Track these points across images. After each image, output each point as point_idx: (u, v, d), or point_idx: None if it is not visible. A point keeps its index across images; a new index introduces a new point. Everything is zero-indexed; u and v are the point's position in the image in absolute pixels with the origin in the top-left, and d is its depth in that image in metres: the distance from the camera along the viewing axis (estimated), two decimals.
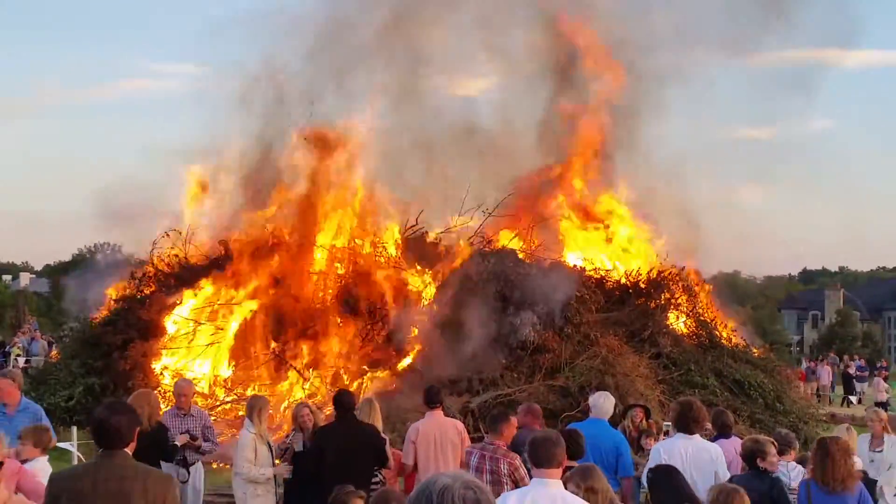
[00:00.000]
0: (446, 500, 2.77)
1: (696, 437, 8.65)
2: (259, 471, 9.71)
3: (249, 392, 19.81)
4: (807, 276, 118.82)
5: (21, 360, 33.87)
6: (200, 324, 21.25)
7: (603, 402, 9.91)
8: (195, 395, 15.21)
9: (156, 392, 14.29)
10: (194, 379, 20.27)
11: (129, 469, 5.33)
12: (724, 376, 20.38)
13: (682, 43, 26.74)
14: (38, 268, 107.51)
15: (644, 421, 12.42)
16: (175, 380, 19.53)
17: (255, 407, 9.96)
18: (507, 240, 22.82)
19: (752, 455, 8.13)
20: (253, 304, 21.15)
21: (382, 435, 10.06)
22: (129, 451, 5.42)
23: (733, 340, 22.47)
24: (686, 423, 8.65)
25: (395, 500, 6.34)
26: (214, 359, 20.90)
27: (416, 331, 20.04)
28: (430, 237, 22.97)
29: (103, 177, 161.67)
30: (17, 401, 10.18)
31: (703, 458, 8.43)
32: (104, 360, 20.23)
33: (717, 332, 22.29)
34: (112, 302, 22.52)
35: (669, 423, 12.81)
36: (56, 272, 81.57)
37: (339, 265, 21.75)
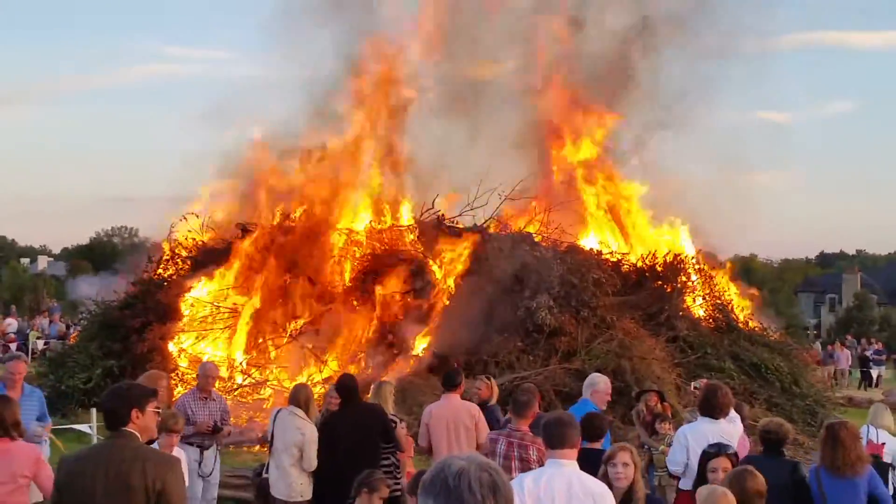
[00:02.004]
0: (463, 483, 2.75)
1: (722, 421, 8.61)
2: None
3: (267, 375, 19.92)
4: (824, 259, 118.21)
5: (40, 343, 34.15)
6: (218, 307, 21.33)
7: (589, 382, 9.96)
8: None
9: (167, 374, 14.26)
10: (213, 362, 20.41)
11: (128, 451, 5.33)
12: (741, 360, 20.33)
13: (700, 25, 26.53)
14: (56, 251, 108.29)
15: (659, 404, 12.40)
16: (190, 362, 19.72)
17: (309, 397, 9.93)
18: (524, 223, 22.81)
19: (775, 439, 8.09)
20: (269, 288, 21.21)
21: (394, 417, 10.09)
22: (135, 431, 5.44)
23: (750, 324, 22.40)
24: (711, 408, 8.62)
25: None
26: (231, 342, 20.98)
27: (433, 314, 20.08)
28: (447, 219, 22.91)
29: (120, 162, 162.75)
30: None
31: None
32: (122, 342, 20.32)
33: (733, 316, 22.22)
34: (130, 285, 22.62)
35: (688, 409, 12.81)
36: (74, 255, 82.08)
37: (356, 248, 21.76)
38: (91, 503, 5.20)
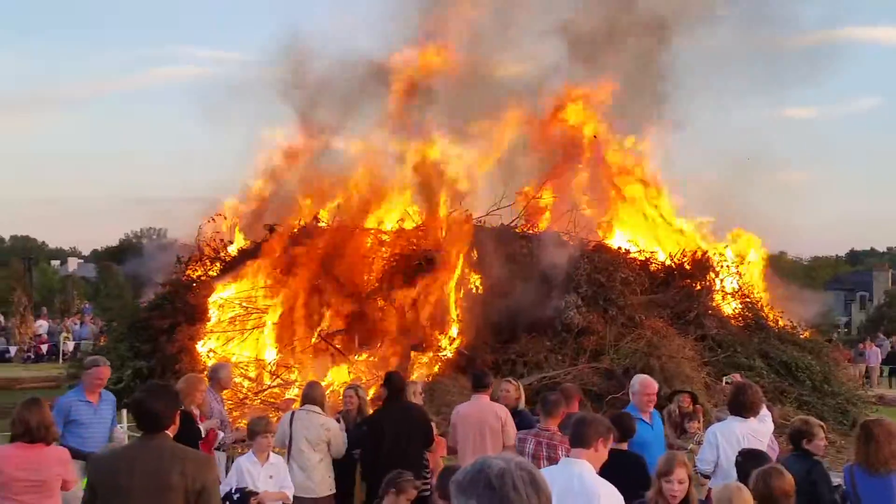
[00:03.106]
0: (507, 482, 2.74)
1: (752, 420, 8.54)
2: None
3: (295, 377, 19.96)
4: (854, 256, 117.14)
5: (70, 344, 34.44)
6: (246, 307, 21.41)
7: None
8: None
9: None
10: (241, 363, 20.48)
11: (166, 451, 5.34)
12: (771, 358, 20.19)
13: (726, 21, 26.38)
14: (86, 253, 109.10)
15: (691, 406, 12.37)
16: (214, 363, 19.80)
17: (323, 394, 10.09)
18: (550, 222, 22.77)
19: (798, 435, 8.05)
20: (298, 288, 21.26)
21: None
22: (170, 433, 5.46)
23: (780, 322, 22.25)
24: (741, 407, 8.56)
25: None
26: (259, 343, 21.05)
27: (461, 314, 20.08)
28: (475, 219, 22.88)
29: (148, 163, 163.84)
30: None
31: (758, 443, 8.34)
32: (152, 343, 20.43)
33: (763, 314, 22.07)
34: (159, 286, 22.76)
35: (717, 408, 12.72)
36: (103, 257, 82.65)
37: (385, 248, 21.79)
38: (131, 502, 5.22)
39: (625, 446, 8.01)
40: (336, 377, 19.27)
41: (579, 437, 6.09)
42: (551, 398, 8.90)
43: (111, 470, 5.32)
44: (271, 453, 8.71)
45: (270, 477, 8.51)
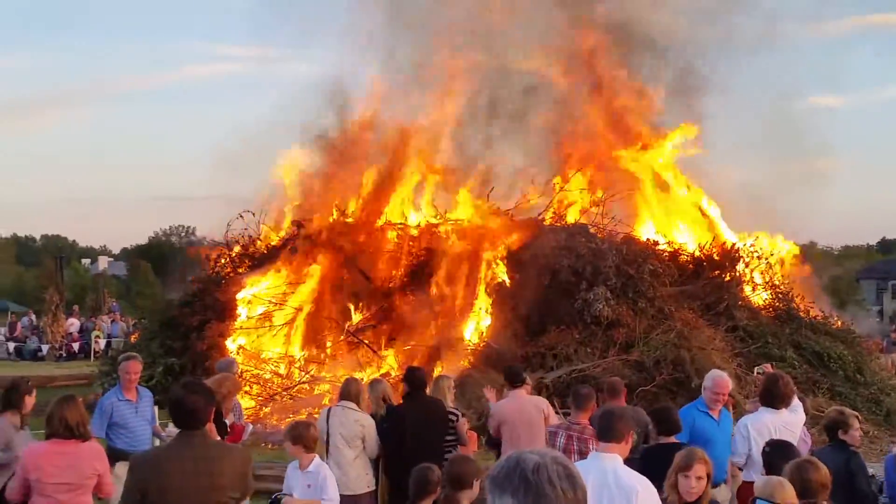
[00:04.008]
0: (542, 476, 2.72)
1: (784, 411, 8.49)
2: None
3: (325, 373, 20.01)
4: (885, 245, 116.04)
5: (102, 342, 34.72)
6: (275, 304, 21.50)
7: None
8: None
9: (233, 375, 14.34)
10: (269, 359, 20.57)
11: (211, 448, 5.40)
12: (803, 348, 20.03)
13: (752, 10, 26.16)
14: (116, 251, 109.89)
15: None
16: (248, 360, 19.89)
17: (360, 391, 9.94)
18: (579, 213, 22.72)
19: (834, 426, 7.98)
20: (326, 284, 21.33)
21: (455, 411, 10.16)
22: (207, 430, 5.50)
23: (811, 312, 22.08)
24: (772, 398, 8.51)
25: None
26: (288, 339, 21.13)
27: (489, 307, 20.06)
28: (503, 212, 22.85)
29: (177, 161, 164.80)
30: None
31: (789, 434, 8.28)
32: (182, 340, 20.57)
33: (794, 304, 21.90)
34: (189, 283, 22.90)
35: (749, 399, 12.64)
36: (133, 255, 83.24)
37: (411, 242, 21.80)
38: (184, 501, 5.24)
39: (671, 439, 7.94)
40: (367, 372, 19.31)
41: (610, 431, 6.02)
42: (583, 392, 8.87)
43: (159, 470, 5.30)
44: (314, 461, 8.31)
45: (308, 486, 8.19)
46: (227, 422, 9.87)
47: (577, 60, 25.27)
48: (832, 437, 7.96)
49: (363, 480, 9.60)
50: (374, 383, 10.78)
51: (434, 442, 9.57)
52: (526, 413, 9.89)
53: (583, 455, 7.95)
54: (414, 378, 9.98)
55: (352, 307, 21.39)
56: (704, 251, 22.30)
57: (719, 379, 9.24)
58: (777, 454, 7.01)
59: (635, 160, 24.58)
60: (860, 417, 8.49)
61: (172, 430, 9.96)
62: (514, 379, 10.34)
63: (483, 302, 20.26)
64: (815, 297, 23.32)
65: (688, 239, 23.44)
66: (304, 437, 8.15)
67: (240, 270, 22.54)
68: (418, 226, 22.46)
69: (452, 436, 9.88)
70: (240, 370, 11.99)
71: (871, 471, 8.20)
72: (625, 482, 5.75)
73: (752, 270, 22.23)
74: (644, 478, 5.91)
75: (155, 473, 5.29)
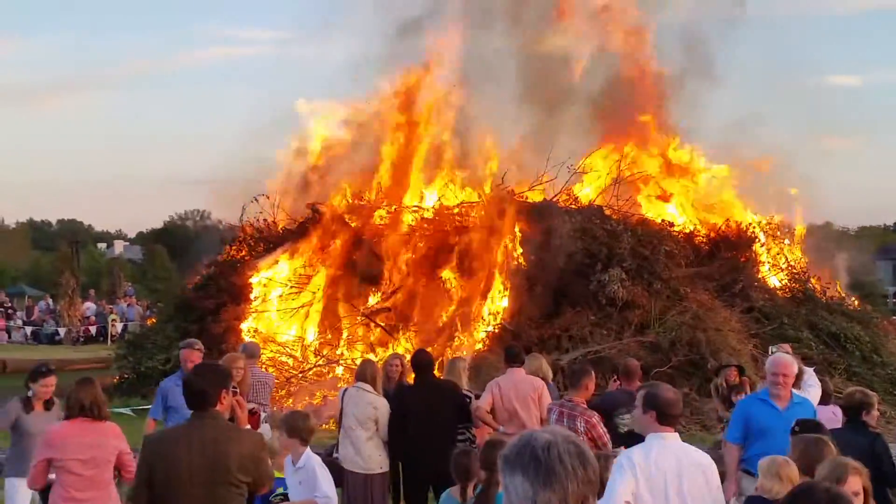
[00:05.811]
0: (553, 455, 2.76)
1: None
2: None
3: (341, 354, 20.06)
4: None
5: (119, 326, 34.92)
6: (290, 287, 21.54)
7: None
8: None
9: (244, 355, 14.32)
10: (285, 342, 20.62)
11: (221, 430, 5.44)
12: (819, 329, 19.99)
13: None
14: (132, 235, 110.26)
15: (738, 379, 12.28)
16: (264, 342, 19.94)
17: (376, 373, 9.99)
18: (595, 195, 22.64)
19: (859, 407, 7.91)
20: (341, 268, 21.36)
21: (469, 393, 10.19)
22: (220, 411, 5.53)
23: (828, 293, 22.00)
24: None
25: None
26: (303, 322, 21.19)
27: (505, 290, 20.05)
28: (517, 195, 22.80)
29: (192, 144, 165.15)
30: None
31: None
32: (198, 323, 20.62)
33: (811, 285, 21.84)
34: (204, 267, 22.96)
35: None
36: (149, 239, 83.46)
37: (426, 225, 21.77)
38: (188, 482, 5.29)
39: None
40: (381, 355, 19.35)
41: (669, 417, 5.83)
42: (575, 369, 8.98)
43: (168, 448, 5.40)
44: (307, 456, 7.68)
45: (300, 483, 7.68)
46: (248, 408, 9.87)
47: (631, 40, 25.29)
48: (854, 417, 7.88)
49: (375, 461, 9.65)
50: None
51: (443, 424, 9.60)
52: (519, 391, 9.91)
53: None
54: (417, 361, 10.08)
55: (368, 290, 21.39)
56: (720, 232, 22.22)
57: (779, 359, 8.33)
58: (807, 432, 6.92)
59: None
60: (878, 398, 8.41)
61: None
62: (510, 357, 10.38)
63: (498, 284, 20.25)
64: (831, 277, 23.24)
65: (703, 220, 23.32)
66: (300, 429, 7.67)
67: (255, 254, 22.56)
68: (434, 207, 22.41)
69: (466, 418, 9.89)
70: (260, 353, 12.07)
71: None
72: (698, 458, 5.77)
73: (768, 251, 22.16)
74: (705, 454, 5.91)
75: (162, 451, 5.40)
